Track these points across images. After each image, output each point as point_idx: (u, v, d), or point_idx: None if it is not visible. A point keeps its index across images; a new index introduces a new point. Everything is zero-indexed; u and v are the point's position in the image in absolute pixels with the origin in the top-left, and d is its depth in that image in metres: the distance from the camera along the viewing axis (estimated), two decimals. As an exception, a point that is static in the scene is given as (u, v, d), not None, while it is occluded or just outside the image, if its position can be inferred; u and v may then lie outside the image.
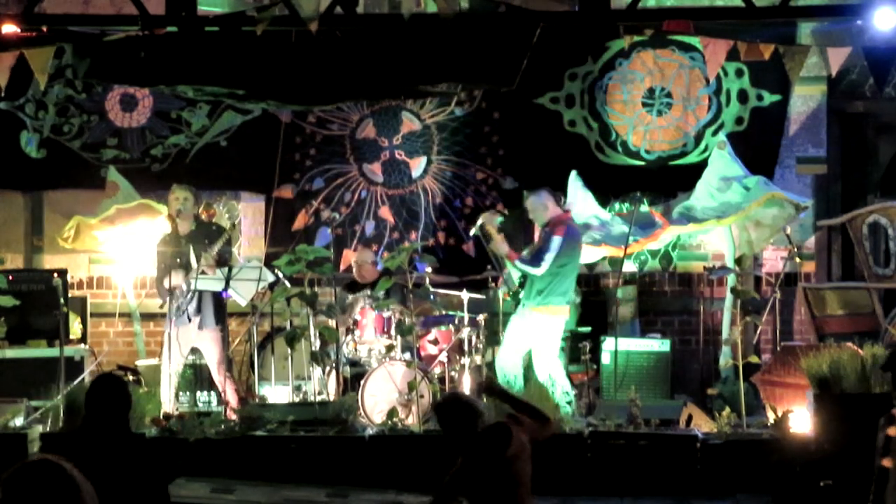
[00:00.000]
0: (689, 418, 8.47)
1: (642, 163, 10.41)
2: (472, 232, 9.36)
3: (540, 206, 8.94)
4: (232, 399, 8.79)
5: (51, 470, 3.00)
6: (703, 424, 8.32)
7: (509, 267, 9.04)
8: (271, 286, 9.39)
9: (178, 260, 8.87)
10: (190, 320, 8.87)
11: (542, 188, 9.10)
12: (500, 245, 8.91)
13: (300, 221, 10.56)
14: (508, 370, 8.77)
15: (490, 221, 9.02)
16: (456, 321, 9.34)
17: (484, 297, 9.93)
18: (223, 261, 8.92)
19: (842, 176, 10.68)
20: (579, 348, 9.24)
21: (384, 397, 8.71)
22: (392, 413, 8.41)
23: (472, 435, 5.24)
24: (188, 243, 8.87)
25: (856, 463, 7.44)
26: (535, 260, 8.72)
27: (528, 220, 10.45)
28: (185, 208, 8.97)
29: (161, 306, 9.25)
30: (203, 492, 7.56)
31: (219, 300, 8.96)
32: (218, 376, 8.98)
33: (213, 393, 9.32)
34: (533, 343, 8.83)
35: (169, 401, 8.69)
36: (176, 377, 8.86)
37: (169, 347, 8.80)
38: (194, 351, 9.16)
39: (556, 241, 8.72)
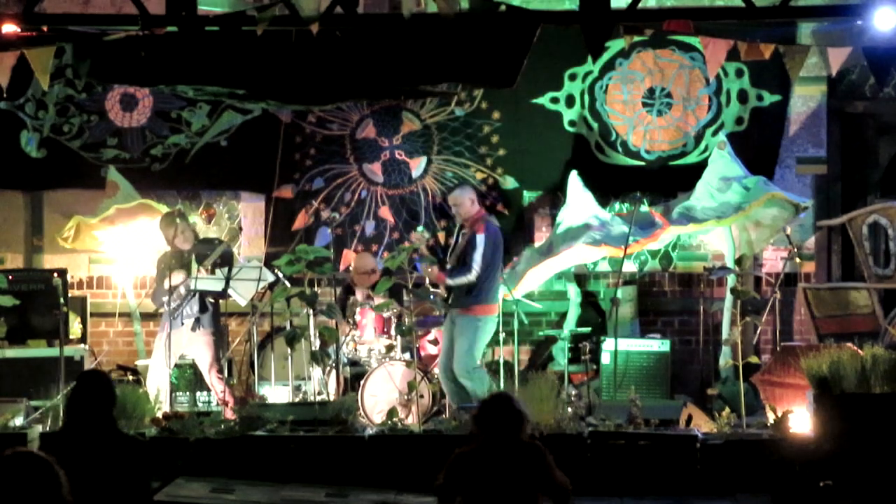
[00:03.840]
0: (689, 418, 8.47)
1: (642, 163, 10.41)
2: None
3: (466, 200, 8.97)
4: (228, 399, 8.80)
5: (33, 462, 3.01)
6: (703, 424, 8.32)
7: (442, 289, 9.04)
8: (271, 286, 9.40)
9: (181, 265, 8.93)
10: (183, 324, 8.90)
11: (467, 183, 9.30)
12: (427, 272, 9.00)
13: (300, 221, 10.55)
14: (448, 377, 8.75)
15: (420, 241, 9.09)
16: (456, 321, 9.34)
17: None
18: (225, 261, 8.97)
19: (842, 176, 10.67)
20: (579, 348, 9.23)
21: (384, 397, 8.71)
22: (392, 413, 8.41)
23: (513, 442, 5.06)
24: (189, 256, 8.93)
25: (856, 463, 7.47)
26: (465, 268, 8.74)
27: (527, 219, 10.50)
28: (185, 234, 9.08)
29: (156, 310, 9.28)
30: (203, 492, 7.56)
31: (218, 306, 9.00)
32: (209, 378, 9.01)
33: (212, 393, 9.33)
34: (457, 343, 8.79)
35: (164, 402, 8.70)
36: (166, 381, 8.86)
37: (168, 350, 8.81)
38: (183, 357, 9.19)
39: (480, 239, 8.77)
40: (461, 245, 8.98)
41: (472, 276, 8.71)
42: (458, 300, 8.82)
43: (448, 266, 9.00)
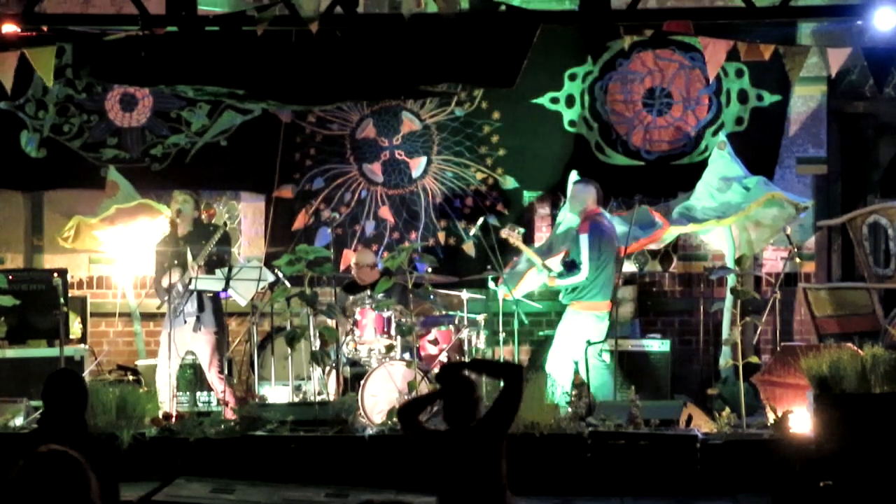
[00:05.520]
0: (689, 418, 8.46)
1: (642, 163, 10.41)
2: (472, 232, 9.36)
3: (588, 198, 9.17)
4: (229, 399, 8.80)
5: (65, 461, 3.02)
6: (703, 424, 8.32)
7: (558, 286, 9.14)
8: (271, 286, 9.40)
9: (176, 261, 8.93)
10: (185, 322, 8.90)
11: (592, 183, 9.31)
12: (545, 269, 9.14)
13: (300, 221, 10.55)
14: (558, 376, 8.82)
15: (516, 239, 9.14)
16: (456, 321, 9.35)
17: (484, 297, 9.94)
18: (221, 261, 8.96)
19: (842, 176, 10.67)
20: (579, 348, 9.23)
21: (384, 397, 8.71)
22: (392, 413, 8.40)
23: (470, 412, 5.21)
24: (186, 245, 8.91)
25: (856, 463, 7.47)
26: (573, 268, 8.88)
27: (527, 219, 10.49)
28: (185, 210, 9.05)
29: (159, 307, 9.28)
30: (203, 492, 7.56)
31: (218, 303, 8.99)
32: (209, 376, 9.01)
33: (212, 393, 9.33)
34: (560, 336, 8.98)
35: (167, 401, 8.70)
36: (173, 379, 8.87)
37: (169, 349, 8.82)
38: (190, 352, 9.19)
39: (584, 239, 8.91)
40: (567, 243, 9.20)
41: (582, 278, 8.95)
42: (566, 295, 9.13)
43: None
